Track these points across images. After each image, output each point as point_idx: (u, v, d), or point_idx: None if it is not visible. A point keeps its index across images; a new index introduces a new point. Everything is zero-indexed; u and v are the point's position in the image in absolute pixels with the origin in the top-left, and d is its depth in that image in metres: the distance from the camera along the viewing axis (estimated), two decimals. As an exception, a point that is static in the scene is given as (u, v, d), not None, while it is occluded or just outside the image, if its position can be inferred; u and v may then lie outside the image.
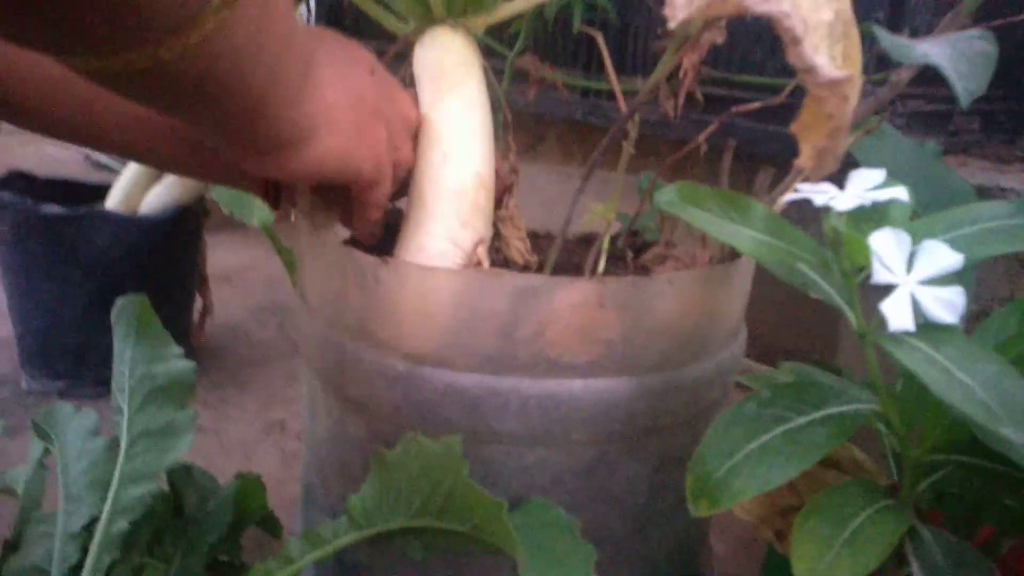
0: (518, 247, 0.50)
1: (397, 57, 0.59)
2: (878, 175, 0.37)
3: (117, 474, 0.59)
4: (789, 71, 0.69)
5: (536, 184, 0.74)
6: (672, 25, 0.35)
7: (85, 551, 0.54)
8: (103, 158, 2.18)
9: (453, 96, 0.51)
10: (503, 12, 0.52)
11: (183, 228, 1.09)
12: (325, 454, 0.53)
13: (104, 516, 0.56)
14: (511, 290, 0.41)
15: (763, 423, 0.39)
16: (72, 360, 1.07)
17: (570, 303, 0.41)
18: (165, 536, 0.62)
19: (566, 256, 0.70)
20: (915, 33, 0.67)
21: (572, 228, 0.68)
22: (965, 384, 0.30)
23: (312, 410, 0.54)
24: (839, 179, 0.38)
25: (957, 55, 0.43)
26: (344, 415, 0.49)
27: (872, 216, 0.36)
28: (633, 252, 0.68)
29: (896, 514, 0.39)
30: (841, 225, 0.33)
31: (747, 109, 0.49)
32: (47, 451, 0.67)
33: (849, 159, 0.59)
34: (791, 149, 0.41)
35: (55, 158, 2.22)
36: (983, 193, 0.63)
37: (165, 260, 1.08)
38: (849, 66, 0.33)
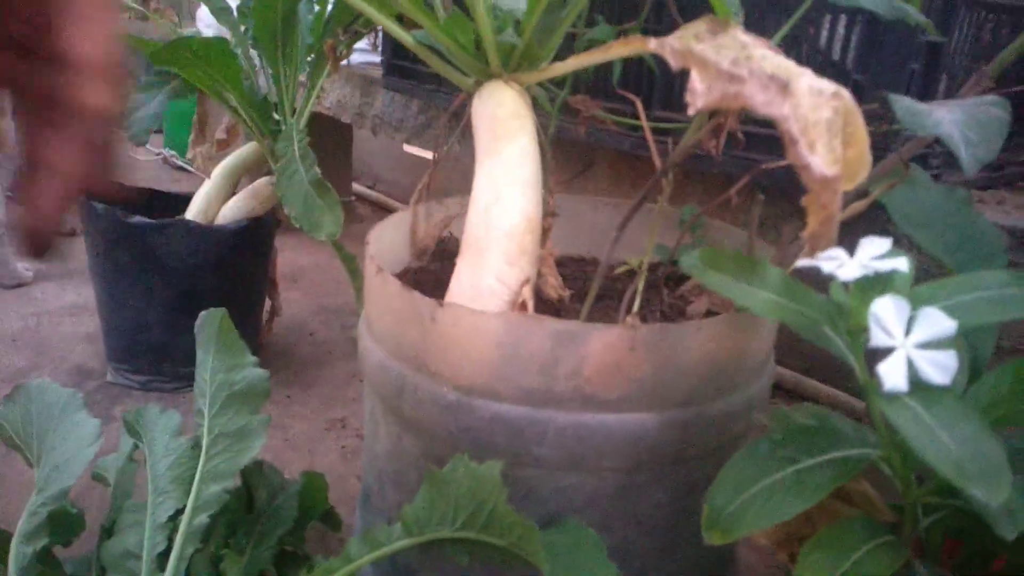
0: (552, 283, 0.55)
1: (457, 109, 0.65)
2: (884, 244, 0.41)
3: (199, 473, 0.67)
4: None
5: (585, 213, 0.79)
6: (691, 112, 0.40)
7: (171, 540, 0.62)
8: (179, 160, 2.31)
9: (506, 146, 0.57)
10: (552, 72, 0.57)
11: (255, 237, 1.17)
12: (383, 465, 0.59)
13: (187, 511, 0.63)
14: (551, 334, 0.47)
15: (775, 463, 0.43)
16: (154, 357, 1.16)
17: (604, 346, 0.46)
18: (239, 529, 0.69)
19: (610, 283, 0.75)
20: (954, 79, 0.70)
21: (618, 256, 0.73)
22: (944, 444, 0.34)
23: (373, 425, 0.60)
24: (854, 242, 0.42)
25: (970, 121, 0.47)
26: (401, 433, 0.56)
27: (877, 282, 0.40)
28: (674, 282, 0.73)
29: (894, 550, 0.43)
30: (843, 298, 0.37)
31: (774, 167, 0.53)
32: (136, 446, 0.76)
33: (876, 210, 0.62)
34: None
35: (134, 159, 2.36)
36: (1016, 235, 0.66)
37: (239, 266, 1.16)
38: (851, 152, 0.37)
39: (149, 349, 1.16)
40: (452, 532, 0.52)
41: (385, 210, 2.05)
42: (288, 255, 1.69)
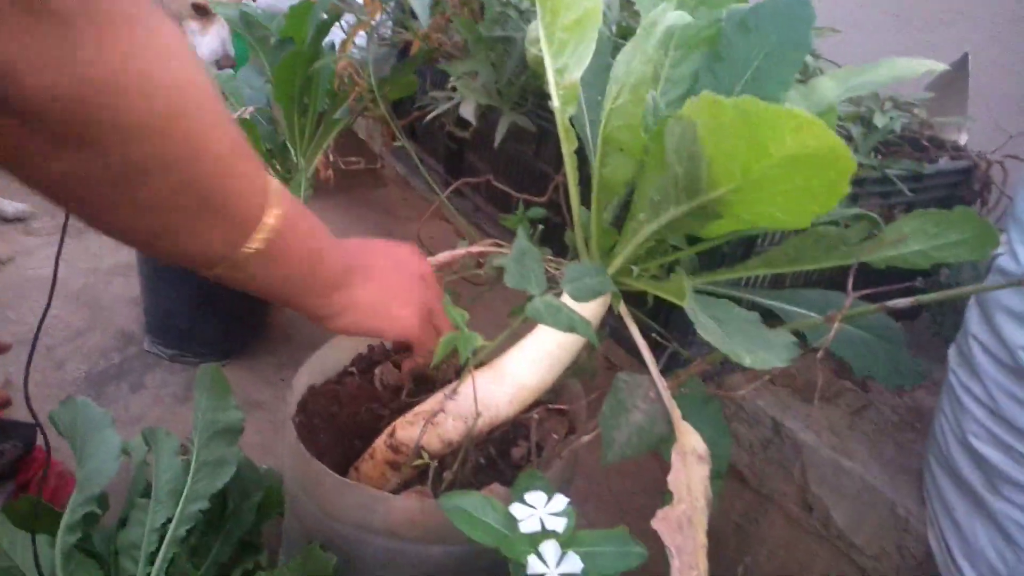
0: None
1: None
2: (563, 501, 0.76)
3: (185, 492, 1.09)
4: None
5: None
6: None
7: (160, 541, 1.05)
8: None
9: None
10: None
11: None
12: (288, 525, 1.00)
13: (174, 522, 1.06)
14: (370, 497, 0.85)
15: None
16: (182, 336, 1.60)
17: (402, 508, 0.85)
18: (210, 529, 1.12)
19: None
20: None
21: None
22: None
23: (290, 500, 1.01)
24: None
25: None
26: (297, 515, 0.96)
27: (547, 531, 0.75)
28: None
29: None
30: (522, 543, 0.73)
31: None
32: (148, 450, 1.19)
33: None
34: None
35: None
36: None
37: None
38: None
39: (177, 330, 1.59)
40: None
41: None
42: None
